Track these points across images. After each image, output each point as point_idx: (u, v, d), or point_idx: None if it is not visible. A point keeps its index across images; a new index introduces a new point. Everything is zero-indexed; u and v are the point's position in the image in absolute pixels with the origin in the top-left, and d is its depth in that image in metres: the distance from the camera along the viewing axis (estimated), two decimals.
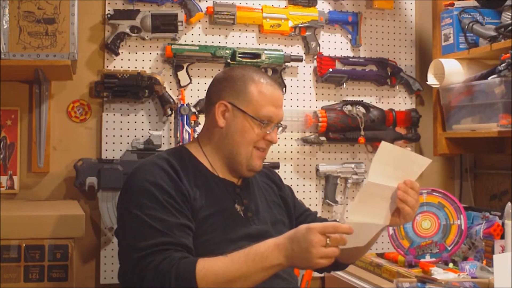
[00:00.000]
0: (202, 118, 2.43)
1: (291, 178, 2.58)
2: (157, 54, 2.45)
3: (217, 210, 1.57)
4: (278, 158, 2.54)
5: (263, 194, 1.75)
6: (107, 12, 2.38)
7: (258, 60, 2.48)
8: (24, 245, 1.82)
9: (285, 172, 2.56)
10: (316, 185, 2.61)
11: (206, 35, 2.51)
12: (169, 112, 2.40)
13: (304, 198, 2.57)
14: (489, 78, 2.23)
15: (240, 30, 2.55)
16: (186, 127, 2.39)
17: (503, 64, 2.14)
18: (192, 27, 2.49)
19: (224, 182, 1.65)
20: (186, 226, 1.49)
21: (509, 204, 2.05)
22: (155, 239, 1.44)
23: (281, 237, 1.42)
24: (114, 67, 2.40)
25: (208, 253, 1.45)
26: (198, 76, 2.49)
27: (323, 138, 2.56)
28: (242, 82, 1.63)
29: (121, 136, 2.40)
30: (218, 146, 1.64)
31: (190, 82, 2.46)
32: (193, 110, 2.41)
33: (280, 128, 1.68)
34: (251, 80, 1.63)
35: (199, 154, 1.66)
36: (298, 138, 2.58)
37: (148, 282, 1.40)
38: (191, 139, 2.38)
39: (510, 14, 2.20)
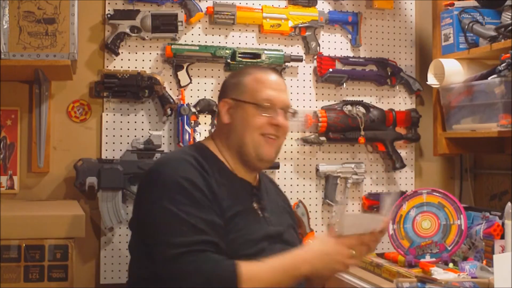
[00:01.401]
0: (202, 118, 2.45)
1: (291, 178, 2.58)
2: (157, 54, 2.45)
3: (240, 210, 1.58)
4: (278, 158, 2.53)
5: (273, 198, 1.78)
6: (107, 12, 2.38)
7: (258, 60, 2.48)
8: (24, 245, 1.82)
9: (285, 172, 2.57)
10: (316, 185, 2.61)
11: (206, 35, 2.51)
12: (169, 112, 2.40)
13: (304, 198, 2.58)
14: (489, 78, 2.23)
15: (240, 30, 2.55)
16: (186, 127, 2.39)
17: (503, 64, 2.14)
18: (192, 27, 2.49)
19: (243, 182, 1.66)
20: (219, 225, 1.50)
21: (509, 204, 2.05)
22: (193, 236, 1.44)
23: (312, 249, 1.52)
24: (114, 67, 2.40)
25: (232, 253, 1.48)
26: (198, 76, 2.49)
27: (323, 138, 2.56)
28: (239, 77, 1.70)
29: (121, 136, 2.40)
30: (228, 143, 1.66)
31: (190, 82, 2.46)
32: (193, 110, 2.42)
33: (290, 114, 1.69)
34: (247, 73, 1.69)
35: (218, 153, 1.67)
36: (298, 138, 2.58)
37: (190, 281, 1.41)
38: (191, 139, 2.38)
39: (510, 14, 2.20)
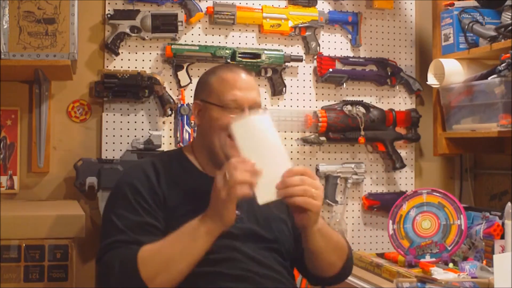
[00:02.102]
0: None
1: None
2: (157, 54, 2.45)
3: (198, 207, 1.52)
4: None
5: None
6: (107, 12, 2.38)
7: (258, 60, 2.48)
8: (24, 245, 1.82)
9: None
10: None
11: (206, 35, 2.51)
12: (169, 112, 2.40)
13: None
14: (489, 78, 2.23)
15: (240, 30, 2.55)
16: (186, 127, 2.39)
17: (503, 64, 2.14)
18: (192, 27, 2.49)
19: (211, 179, 1.59)
20: (150, 225, 1.54)
21: (509, 204, 2.05)
22: (113, 237, 1.51)
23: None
24: (114, 67, 2.40)
25: None
26: (198, 76, 2.45)
27: (323, 138, 2.56)
28: (205, 78, 1.71)
29: (121, 136, 2.40)
30: (200, 143, 1.70)
31: (190, 82, 2.46)
32: None
33: (257, 112, 1.64)
34: (212, 73, 1.70)
35: (190, 155, 1.71)
36: (298, 138, 2.57)
37: (99, 277, 1.53)
38: (191, 139, 2.38)
39: (510, 14, 2.20)
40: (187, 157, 1.71)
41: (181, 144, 2.38)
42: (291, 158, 2.57)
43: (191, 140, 1.80)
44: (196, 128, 1.78)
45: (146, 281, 1.43)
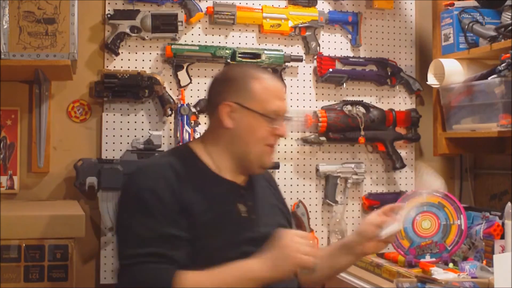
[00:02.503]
0: (202, 118, 2.45)
1: (291, 178, 2.58)
2: (157, 54, 2.45)
3: (219, 213, 1.54)
4: (278, 158, 2.54)
5: (265, 196, 1.73)
6: (107, 12, 2.38)
7: (258, 60, 2.48)
8: (24, 245, 1.82)
9: (285, 172, 2.56)
10: (316, 185, 2.61)
11: (206, 35, 2.51)
12: (169, 112, 2.40)
13: (304, 198, 2.58)
14: (489, 78, 2.23)
15: (240, 30, 2.55)
16: (186, 127, 2.39)
17: (503, 64, 2.14)
18: (192, 27, 2.49)
19: (228, 184, 1.62)
20: (176, 237, 1.47)
21: (509, 204, 2.05)
22: (137, 249, 1.44)
23: (267, 250, 1.47)
24: (114, 67, 2.40)
25: (209, 258, 1.45)
26: (198, 76, 2.49)
27: (323, 138, 2.56)
28: (243, 80, 1.61)
29: (121, 136, 2.40)
30: (227, 148, 1.61)
31: (190, 82, 2.46)
32: (193, 110, 2.42)
33: (288, 122, 1.66)
34: (252, 77, 1.61)
35: (204, 155, 1.62)
36: (298, 138, 2.58)
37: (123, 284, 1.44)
38: (191, 139, 2.38)
39: (510, 14, 2.20)
40: (200, 158, 1.61)
41: (181, 144, 2.37)
42: (291, 158, 2.58)
43: (200, 139, 1.70)
44: (215, 129, 1.64)
45: None
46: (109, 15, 2.36)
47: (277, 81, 1.66)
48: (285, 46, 2.59)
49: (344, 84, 2.61)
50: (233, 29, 2.54)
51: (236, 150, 1.60)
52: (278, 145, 1.68)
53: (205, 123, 2.47)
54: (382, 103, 2.70)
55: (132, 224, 1.47)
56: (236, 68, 1.71)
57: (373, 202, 2.63)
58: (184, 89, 2.45)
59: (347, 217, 2.63)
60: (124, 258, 1.46)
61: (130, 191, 1.53)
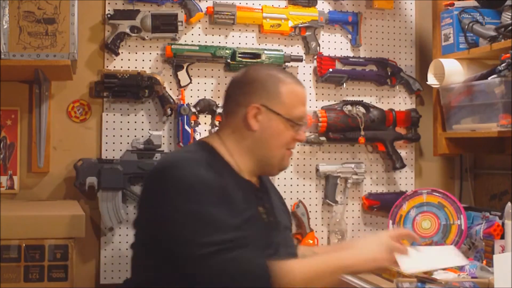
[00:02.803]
0: (202, 118, 2.45)
1: (291, 178, 2.58)
2: (157, 54, 2.45)
3: (250, 215, 1.52)
4: None
5: (273, 198, 1.73)
6: (107, 12, 2.38)
7: (258, 60, 2.48)
8: (24, 245, 1.82)
9: (285, 172, 2.56)
10: (316, 185, 2.61)
11: (206, 35, 2.51)
12: (169, 112, 2.40)
13: (304, 198, 2.58)
14: (489, 78, 2.23)
15: (240, 30, 2.55)
16: (186, 127, 2.39)
17: (503, 64, 2.13)
18: (192, 27, 2.49)
19: (249, 185, 1.61)
20: (239, 225, 1.45)
21: (509, 204, 2.05)
22: (220, 235, 1.39)
23: (360, 241, 1.59)
24: (114, 67, 2.40)
25: None
26: (198, 76, 2.49)
27: (323, 138, 2.56)
28: (272, 83, 1.60)
29: (121, 136, 2.40)
30: (250, 149, 1.59)
31: (190, 82, 2.46)
32: (193, 110, 2.42)
33: (305, 126, 1.68)
34: (280, 81, 1.60)
35: (226, 154, 1.60)
36: None
37: (221, 280, 1.37)
38: (191, 139, 2.38)
39: (510, 14, 2.20)
40: (223, 157, 1.59)
41: (181, 144, 2.38)
42: (291, 158, 2.57)
43: (218, 136, 1.65)
44: (237, 129, 1.61)
45: None
46: (109, 15, 2.36)
47: (302, 86, 1.67)
48: (285, 46, 2.59)
49: (344, 84, 2.61)
50: (233, 29, 2.54)
51: (259, 153, 1.60)
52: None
53: (205, 123, 2.47)
54: (382, 103, 2.70)
55: (200, 211, 1.41)
56: (263, 70, 1.67)
57: (373, 202, 2.63)
58: (184, 89, 2.45)
59: (347, 217, 2.63)
60: (204, 246, 1.38)
61: (183, 181, 1.45)
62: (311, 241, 2.51)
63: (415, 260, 1.61)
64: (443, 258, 1.71)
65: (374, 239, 1.56)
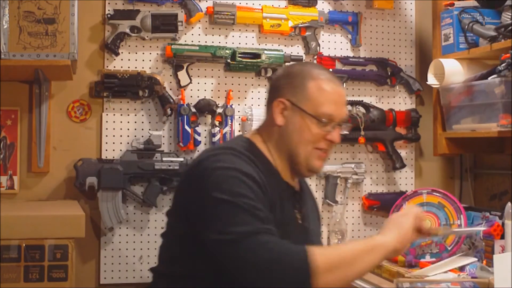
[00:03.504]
0: (202, 118, 2.45)
1: None
2: (157, 54, 2.45)
3: (285, 218, 1.50)
4: None
5: (310, 203, 1.71)
6: (107, 12, 2.38)
7: (258, 60, 2.48)
8: (24, 245, 1.82)
9: None
10: (316, 185, 2.61)
11: (206, 35, 2.51)
12: (169, 112, 2.40)
13: None
14: (489, 78, 2.23)
15: (240, 30, 2.55)
16: (186, 127, 2.39)
17: (503, 64, 2.13)
18: (192, 27, 2.49)
19: (288, 186, 1.58)
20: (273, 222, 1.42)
21: (509, 204, 2.05)
22: (257, 224, 1.34)
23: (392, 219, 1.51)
24: (114, 67, 2.40)
25: None
26: (198, 76, 2.49)
27: None
28: (301, 78, 1.56)
29: (121, 136, 2.40)
30: (278, 145, 1.57)
31: (190, 82, 2.46)
32: (193, 110, 2.42)
33: (344, 127, 1.60)
34: (309, 76, 1.56)
35: (266, 152, 1.57)
36: None
37: (260, 259, 1.31)
38: (191, 139, 2.38)
39: (510, 14, 2.20)
40: (266, 156, 1.56)
41: (181, 144, 2.38)
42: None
43: (258, 132, 1.63)
44: (269, 125, 1.59)
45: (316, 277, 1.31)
46: (109, 15, 2.36)
47: (338, 84, 1.58)
48: (285, 46, 2.59)
49: (344, 84, 2.61)
50: (233, 29, 2.54)
51: (285, 149, 1.56)
52: (330, 151, 1.62)
53: (205, 123, 2.47)
54: (382, 103, 2.70)
55: (238, 204, 1.36)
56: (298, 65, 1.64)
57: (373, 202, 2.63)
58: (184, 89, 2.45)
59: (347, 217, 2.63)
60: (239, 233, 1.33)
61: (225, 174, 1.41)
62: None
63: None
64: None
65: (403, 216, 1.49)
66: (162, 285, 1.53)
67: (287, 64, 1.52)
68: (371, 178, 2.68)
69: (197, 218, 1.42)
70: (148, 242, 2.40)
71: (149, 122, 2.43)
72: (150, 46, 2.44)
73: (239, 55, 2.46)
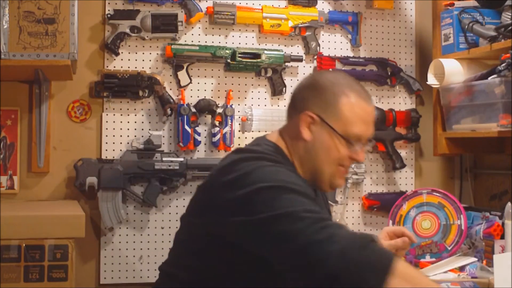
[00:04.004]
0: (202, 118, 2.45)
1: None
2: (157, 54, 2.45)
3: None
4: None
5: (323, 208, 1.68)
6: (107, 12, 2.38)
7: (258, 60, 2.48)
8: (24, 245, 1.82)
9: None
10: None
11: (206, 35, 2.51)
12: (169, 112, 2.40)
13: None
14: (489, 78, 2.23)
15: (240, 30, 2.55)
16: (186, 127, 2.39)
17: (503, 64, 2.14)
18: (192, 27, 2.49)
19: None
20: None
21: (509, 204, 2.05)
22: (321, 222, 1.25)
23: None
24: (114, 67, 2.40)
25: None
26: (198, 76, 2.49)
27: None
28: (333, 94, 1.48)
29: (121, 136, 2.40)
30: (302, 159, 1.52)
31: (190, 82, 2.46)
32: (193, 110, 2.42)
33: (369, 145, 1.57)
34: (342, 93, 1.48)
35: (291, 158, 1.53)
36: None
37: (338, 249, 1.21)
38: (191, 139, 2.38)
39: (510, 14, 2.20)
40: (289, 161, 1.52)
41: (181, 144, 2.38)
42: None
43: (282, 138, 1.56)
44: (293, 135, 1.53)
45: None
46: (109, 15, 2.36)
47: (369, 102, 1.52)
48: (285, 46, 2.59)
49: None
50: (233, 29, 2.54)
51: (309, 165, 1.51)
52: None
53: (205, 123, 2.47)
54: (382, 103, 2.70)
55: (293, 211, 1.28)
56: (329, 76, 1.55)
57: (373, 202, 2.63)
58: (184, 89, 2.45)
59: (347, 217, 2.63)
60: (307, 234, 1.24)
61: (277, 185, 1.33)
62: None
63: None
64: None
65: None
66: (172, 285, 1.52)
67: (314, 72, 1.45)
68: (371, 178, 2.68)
69: (236, 219, 1.34)
70: (148, 242, 2.40)
71: (149, 122, 2.43)
72: (150, 46, 2.44)
73: (239, 55, 2.46)
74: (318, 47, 2.60)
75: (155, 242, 2.40)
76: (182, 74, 2.44)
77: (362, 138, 1.50)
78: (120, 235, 2.37)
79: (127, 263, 2.37)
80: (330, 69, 2.49)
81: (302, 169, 1.52)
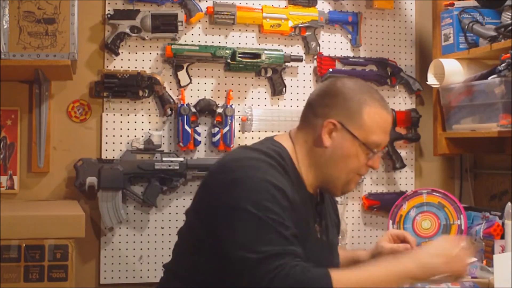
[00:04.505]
0: (202, 118, 2.45)
1: None
2: (157, 54, 2.45)
3: (305, 231, 1.47)
4: None
5: (330, 214, 1.69)
6: (107, 12, 2.38)
7: (258, 60, 2.48)
8: (24, 245, 1.82)
9: None
10: None
11: (206, 35, 2.51)
12: (169, 112, 2.40)
13: None
14: (489, 78, 2.23)
15: (240, 30, 2.55)
16: (186, 127, 2.39)
17: (503, 64, 2.14)
18: (192, 27, 2.49)
19: (310, 198, 1.55)
20: (297, 237, 1.39)
21: (509, 204, 2.05)
22: (282, 246, 1.33)
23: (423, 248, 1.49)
24: (114, 67, 2.40)
25: None
26: (198, 76, 2.49)
27: None
28: (357, 103, 1.50)
29: (121, 136, 2.40)
30: (317, 165, 1.52)
31: (190, 82, 2.46)
32: (193, 110, 2.42)
33: (381, 153, 1.57)
34: (365, 102, 1.50)
35: (295, 160, 1.53)
36: None
37: (278, 283, 1.29)
38: (191, 139, 2.38)
39: (510, 14, 2.20)
40: (294, 163, 1.52)
41: (181, 144, 2.38)
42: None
43: (292, 141, 1.57)
44: (307, 140, 1.54)
45: None
46: (109, 15, 2.36)
47: (389, 112, 1.54)
48: (285, 46, 2.59)
49: None
50: (233, 29, 2.54)
51: (325, 171, 1.52)
52: None
53: (205, 123, 2.47)
54: None
55: (262, 219, 1.34)
56: (351, 84, 1.55)
57: (373, 202, 2.63)
58: (184, 89, 2.45)
59: (347, 217, 2.63)
60: (262, 253, 1.32)
61: (254, 184, 1.38)
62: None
63: None
64: None
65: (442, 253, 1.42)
66: (176, 285, 1.53)
67: (336, 79, 1.46)
68: (371, 178, 2.68)
69: (222, 225, 1.39)
70: (148, 242, 2.40)
71: (149, 122, 2.43)
72: (150, 46, 2.44)
73: (239, 55, 2.46)
74: (318, 47, 2.60)
75: (155, 242, 2.40)
76: (182, 74, 2.44)
77: (379, 147, 1.53)
78: (120, 235, 2.37)
79: (127, 263, 2.37)
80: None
81: (312, 174, 1.53)
